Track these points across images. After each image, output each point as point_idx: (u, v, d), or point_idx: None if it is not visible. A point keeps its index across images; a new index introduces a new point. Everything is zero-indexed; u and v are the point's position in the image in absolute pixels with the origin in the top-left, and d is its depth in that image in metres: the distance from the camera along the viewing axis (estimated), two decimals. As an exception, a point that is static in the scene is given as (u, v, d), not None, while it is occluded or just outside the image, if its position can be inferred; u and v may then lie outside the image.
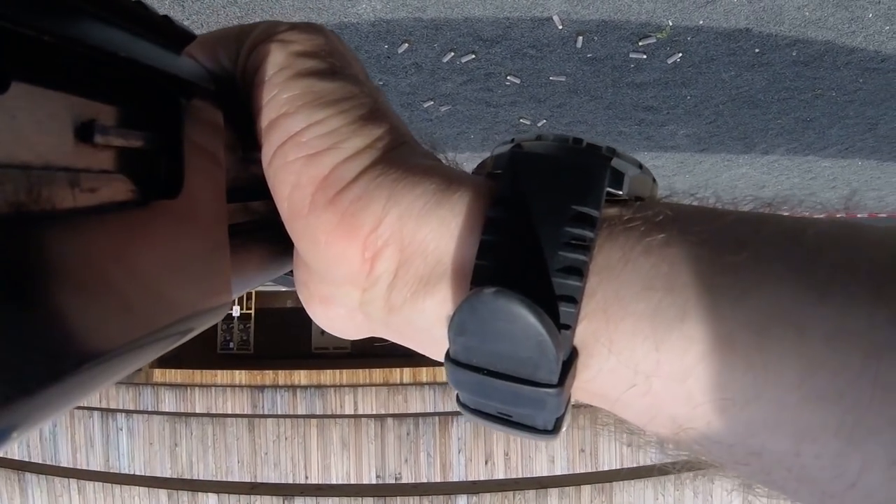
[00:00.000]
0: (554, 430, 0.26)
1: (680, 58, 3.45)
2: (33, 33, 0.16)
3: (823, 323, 0.20)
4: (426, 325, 0.27)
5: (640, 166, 0.27)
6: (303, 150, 0.27)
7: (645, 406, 0.24)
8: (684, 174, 4.86)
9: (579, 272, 0.23)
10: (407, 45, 3.30)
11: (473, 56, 3.37)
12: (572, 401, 0.26)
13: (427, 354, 0.30)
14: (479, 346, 0.24)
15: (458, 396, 0.27)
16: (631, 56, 3.42)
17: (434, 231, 0.26)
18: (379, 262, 0.27)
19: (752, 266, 0.22)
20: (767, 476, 0.23)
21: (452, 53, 3.35)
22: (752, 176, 4.99)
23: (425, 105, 3.76)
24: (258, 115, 0.28)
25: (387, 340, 0.32)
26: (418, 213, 0.26)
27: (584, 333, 0.24)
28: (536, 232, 0.24)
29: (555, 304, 0.23)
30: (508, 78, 3.55)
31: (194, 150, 0.25)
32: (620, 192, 0.25)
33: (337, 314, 0.31)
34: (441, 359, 0.27)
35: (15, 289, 0.15)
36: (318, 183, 0.27)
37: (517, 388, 0.24)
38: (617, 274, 0.24)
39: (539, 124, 3.98)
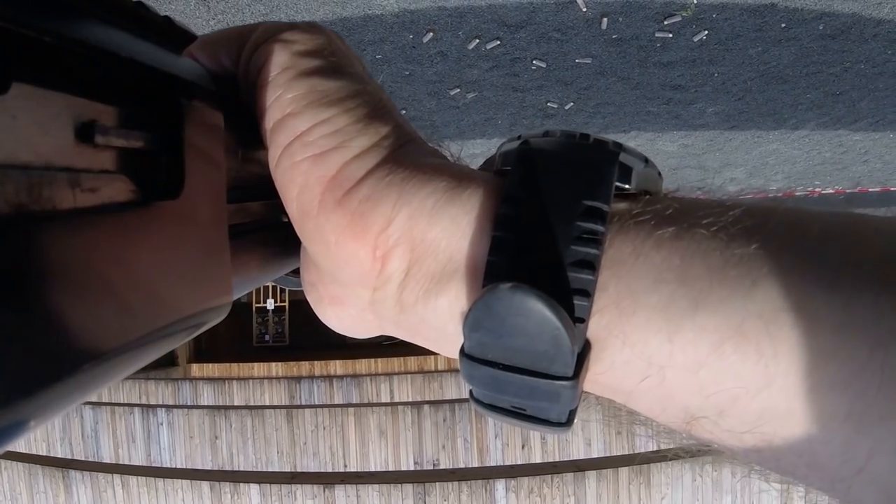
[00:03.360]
0: (567, 422, 0.26)
1: (706, 35, 3.43)
2: (34, 34, 0.16)
3: (831, 313, 0.21)
4: (439, 323, 0.27)
5: (647, 161, 0.27)
6: (310, 149, 0.27)
7: (657, 398, 0.24)
8: (714, 152, 4.82)
9: (592, 266, 0.23)
10: (431, 34, 3.31)
11: (498, 42, 3.37)
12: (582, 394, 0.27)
13: (439, 352, 0.30)
14: (495, 342, 0.24)
15: (471, 392, 0.27)
16: (657, 35, 3.41)
17: (445, 229, 0.26)
18: (390, 261, 0.27)
19: (761, 258, 0.22)
20: (777, 463, 0.23)
21: (477, 40, 3.35)
22: (783, 152, 4.93)
23: (452, 93, 3.77)
24: (262, 116, 0.28)
25: (396, 338, 0.32)
26: (429, 212, 0.26)
27: (598, 327, 0.24)
28: (548, 227, 0.24)
29: (569, 297, 0.23)
30: (534, 62, 3.55)
31: (195, 150, 0.25)
32: (629, 187, 0.25)
33: (347, 314, 0.31)
34: (453, 355, 0.27)
35: (16, 288, 0.15)
36: (326, 183, 0.27)
37: (533, 381, 0.24)
38: (629, 267, 0.24)
39: (566, 107, 3.97)
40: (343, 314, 0.31)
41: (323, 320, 0.33)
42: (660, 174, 0.28)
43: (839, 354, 0.20)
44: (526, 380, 0.24)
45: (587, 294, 0.23)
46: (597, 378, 0.25)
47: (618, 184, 0.25)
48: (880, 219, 0.23)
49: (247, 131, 0.30)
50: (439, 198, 0.26)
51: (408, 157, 0.28)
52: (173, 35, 0.24)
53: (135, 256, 0.20)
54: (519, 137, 0.27)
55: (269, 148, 0.28)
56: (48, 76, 0.17)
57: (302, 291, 0.34)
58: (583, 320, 0.23)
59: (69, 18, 0.18)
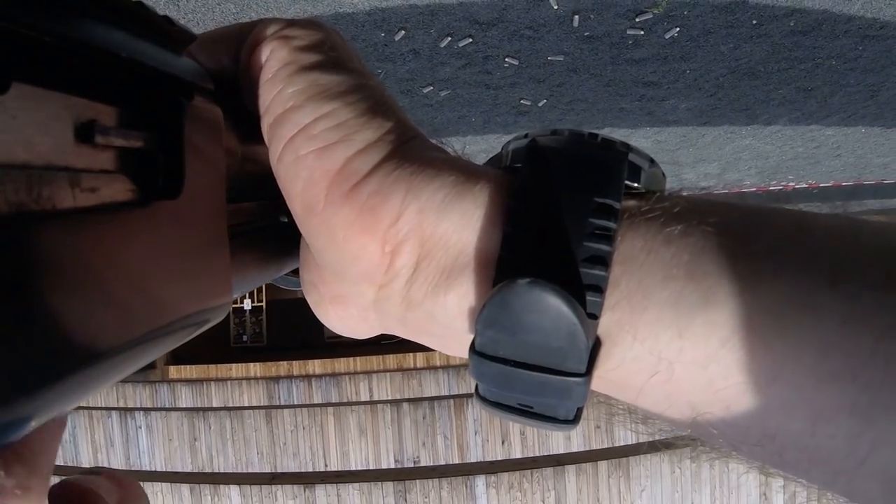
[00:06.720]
0: (574, 419, 0.26)
1: (677, 32, 3.45)
2: (34, 33, 0.16)
3: (837, 307, 0.21)
4: (447, 319, 0.27)
5: (652, 161, 0.27)
6: (314, 143, 0.26)
7: (664, 393, 0.24)
8: (688, 147, 4.86)
9: (604, 262, 0.24)
10: (403, 31, 3.30)
11: (471, 40, 3.37)
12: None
13: (444, 350, 0.30)
14: (508, 338, 0.24)
15: (476, 389, 0.27)
16: (628, 32, 3.42)
17: (455, 224, 0.26)
18: (399, 256, 0.26)
19: (767, 255, 0.23)
20: (780, 457, 0.23)
21: (449, 38, 3.35)
22: (756, 147, 4.98)
23: (425, 90, 3.77)
24: (263, 111, 0.28)
25: (396, 336, 0.32)
26: (439, 206, 0.26)
27: (609, 323, 0.24)
28: (560, 223, 0.24)
29: (581, 293, 0.23)
30: (507, 60, 3.55)
31: (195, 150, 0.25)
32: (637, 185, 0.26)
33: (349, 314, 0.30)
34: (459, 353, 0.27)
35: (16, 288, 0.15)
36: (332, 176, 0.26)
37: (544, 378, 0.24)
38: (640, 264, 0.24)
39: (540, 104, 3.98)
40: (344, 314, 0.31)
41: (323, 321, 0.32)
42: (664, 174, 0.28)
43: (845, 347, 0.21)
44: (537, 376, 0.24)
45: (600, 290, 0.24)
46: (606, 374, 0.25)
47: (627, 182, 0.25)
48: (876, 222, 0.24)
49: (247, 131, 0.30)
50: (448, 192, 0.26)
51: (413, 151, 0.27)
52: (173, 35, 0.24)
53: (134, 256, 0.20)
54: (526, 136, 0.27)
55: (271, 143, 0.28)
56: (48, 76, 0.17)
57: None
58: (596, 316, 0.24)
59: (69, 18, 0.18)
